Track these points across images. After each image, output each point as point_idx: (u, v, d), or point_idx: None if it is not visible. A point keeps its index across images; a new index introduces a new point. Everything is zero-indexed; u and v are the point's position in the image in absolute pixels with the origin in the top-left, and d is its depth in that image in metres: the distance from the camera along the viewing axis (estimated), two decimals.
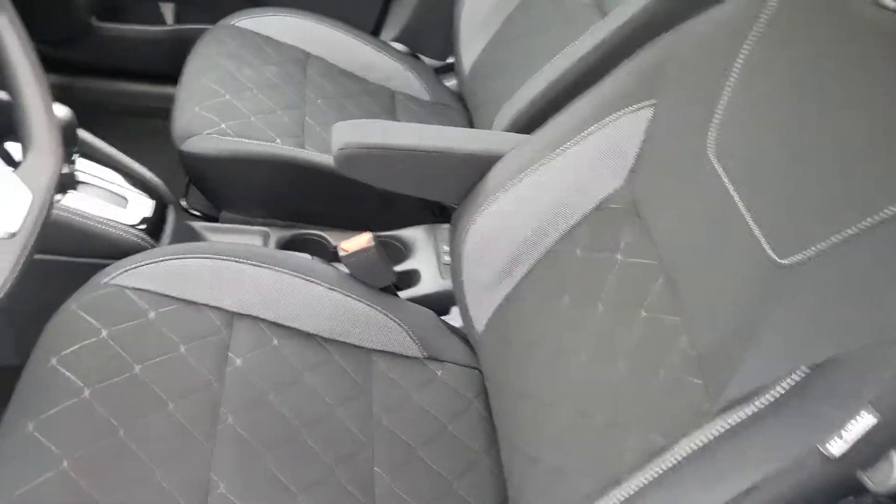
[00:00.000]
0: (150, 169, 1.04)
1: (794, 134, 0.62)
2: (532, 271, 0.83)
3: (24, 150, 0.65)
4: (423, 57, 1.57)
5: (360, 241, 0.90)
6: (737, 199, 0.64)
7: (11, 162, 0.88)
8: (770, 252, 0.59)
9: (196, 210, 1.21)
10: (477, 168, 0.86)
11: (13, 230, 0.59)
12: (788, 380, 0.54)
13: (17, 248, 0.58)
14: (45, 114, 0.65)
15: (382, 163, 0.86)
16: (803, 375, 0.54)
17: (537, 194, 0.81)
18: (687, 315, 0.65)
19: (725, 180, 0.65)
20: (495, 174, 0.85)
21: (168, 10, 1.57)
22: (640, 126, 0.75)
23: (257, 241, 1.12)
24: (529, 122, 1.01)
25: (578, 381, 0.71)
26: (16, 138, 0.91)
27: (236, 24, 1.33)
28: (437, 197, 0.92)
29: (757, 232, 0.61)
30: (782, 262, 0.58)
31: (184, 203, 1.22)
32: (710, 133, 0.68)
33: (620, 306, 0.71)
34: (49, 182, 0.63)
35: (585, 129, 0.78)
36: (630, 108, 0.75)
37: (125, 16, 1.54)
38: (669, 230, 0.70)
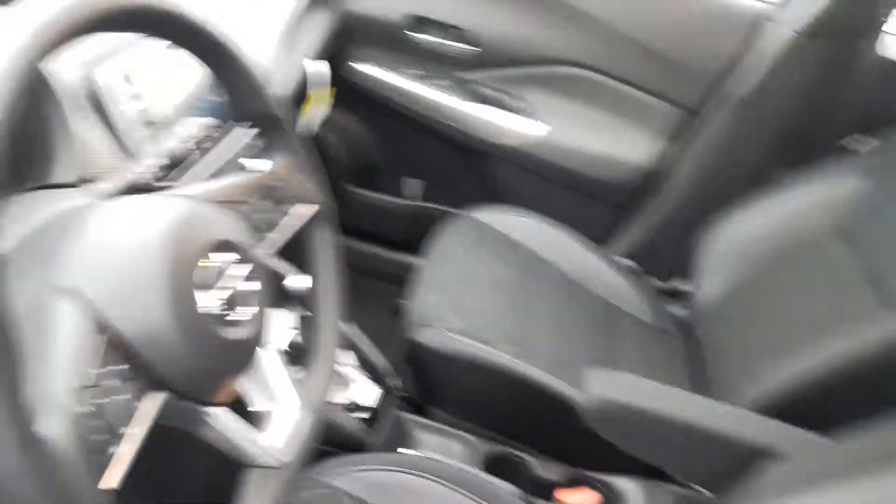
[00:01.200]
0: (371, 332, 1.03)
1: None
2: None
3: (309, 367, 0.63)
4: (646, 276, 1.52)
5: (584, 501, 0.81)
6: None
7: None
8: None
9: (406, 393, 1.19)
10: (742, 457, 0.76)
11: (287, 459, 0.53)
12: None
13: (285, 480, 0.52)
14: (333, 338, 0.64)
15: (633, 424, 0.79)
16: None
17: None
18: None
19: None
20: (775, 480, 0.73)
21: (416, 186, 1.66)
22: None
23: (464, 449, 1.06)
24: (793, 410, 0.88)
25: None
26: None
27: (478, 218, 1.36)
28: (683, 475, 0.82)
29: None
30: None
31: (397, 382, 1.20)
32: None
33: None
34: (321, 403, 0.60)
35: None
36: None
37: (374, 185, 1.65)
38: None
